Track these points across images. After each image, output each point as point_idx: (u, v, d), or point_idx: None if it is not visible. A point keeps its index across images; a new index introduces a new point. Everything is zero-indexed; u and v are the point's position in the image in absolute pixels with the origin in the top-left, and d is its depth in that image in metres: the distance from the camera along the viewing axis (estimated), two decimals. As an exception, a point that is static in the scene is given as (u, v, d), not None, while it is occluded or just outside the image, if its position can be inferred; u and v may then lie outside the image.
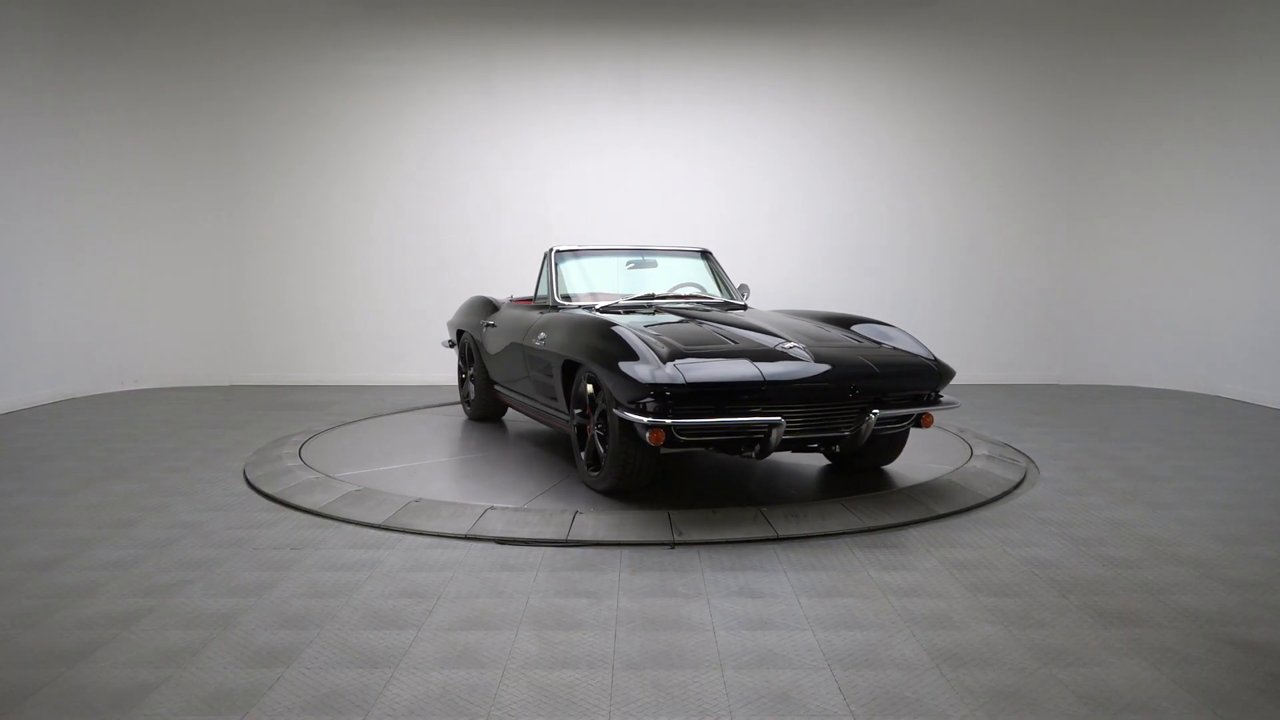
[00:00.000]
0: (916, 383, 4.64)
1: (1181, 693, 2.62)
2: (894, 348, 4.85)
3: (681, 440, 4.24)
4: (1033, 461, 5.72)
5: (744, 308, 5.97)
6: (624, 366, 4.26)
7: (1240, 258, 8.56)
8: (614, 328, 4.61)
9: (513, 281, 8.72)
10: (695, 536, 4.05)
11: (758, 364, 4.35)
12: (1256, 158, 8.36)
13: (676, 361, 4.25)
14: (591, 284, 6.12)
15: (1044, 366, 9.75)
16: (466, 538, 4.07)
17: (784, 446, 4.48)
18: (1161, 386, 9.25)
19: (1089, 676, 2.73)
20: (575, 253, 6.35)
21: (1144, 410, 7.89)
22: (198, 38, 9.18)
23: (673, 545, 3.99)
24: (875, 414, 4.41)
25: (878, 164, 9.60)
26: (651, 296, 5.92)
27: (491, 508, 4.42)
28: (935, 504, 4.58)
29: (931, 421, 4.72)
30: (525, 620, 3.15)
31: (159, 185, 9.19)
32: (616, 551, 3.91)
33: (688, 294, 6.09)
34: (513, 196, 9.53)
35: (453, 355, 7.94)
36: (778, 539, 4.06)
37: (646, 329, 4.80)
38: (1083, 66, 9.45)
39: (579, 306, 5.70)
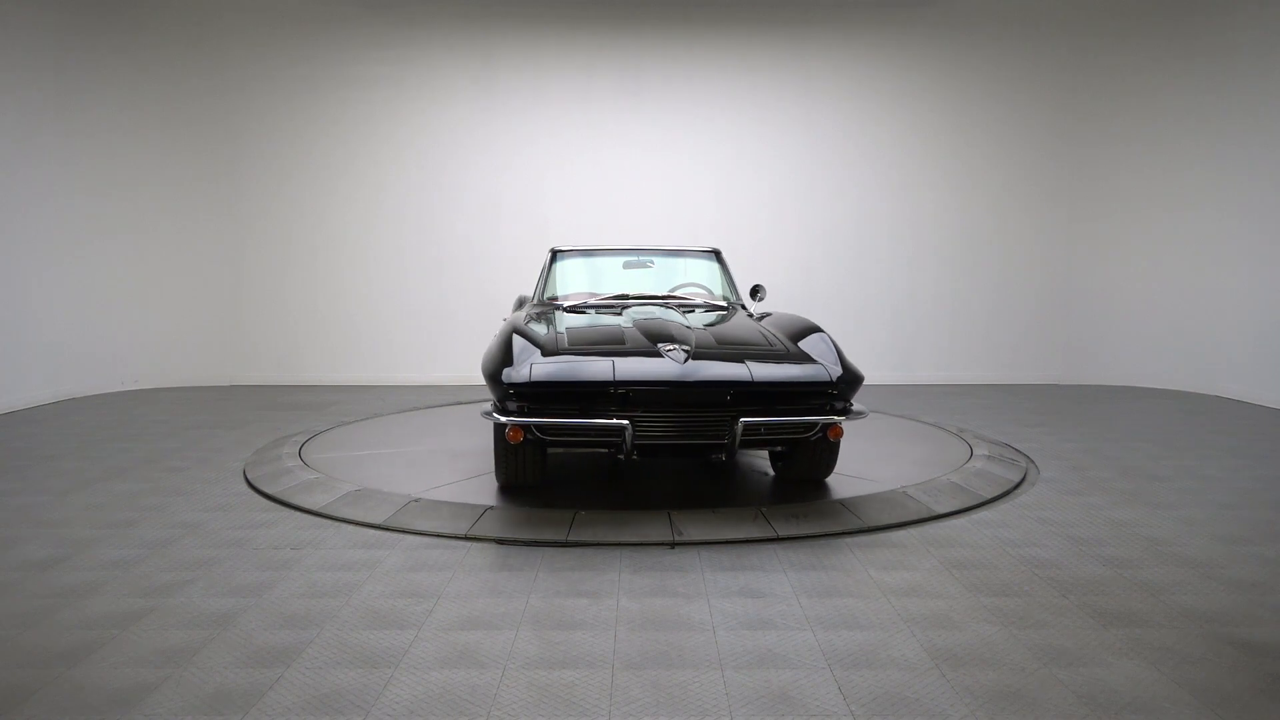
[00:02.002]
0: (802, 392, 4.36)
1: (1181, 693, 2.62)
2: (805, 355, 4.55)
3: (544, 439, 4.33)
4: (1033, 461, 5.72)
5: (724, 309, 5.78)
6: (495, 368, 4.38)
7: (1240, 257, 8.57)
8: (512, 331, 4.71)
9: (518, 281, 8.73)
10: (695, 536, 4.05)
11: (618, 365, 4.30)
12: (1256, 158, 8.36)
13: (531, 361, 4.34)
14: (582, 284, 6.15)
15: (1044, 366, 9.75)
16: (466, 538, 4.07)
17: (668, 452, 4.44)
18: (1161, 386, 9.26)
19: (1089, 676, 2.73)
20: (573, 253, 6.40)
21: (1144, 410, 7.89)
22: (198, 38, 9.18)
23: (673, 545, 3.99)
24: (742, 422, 4.20)
25: (878, 164, 9.60)
26: (625, 296, 5.90)
27: (491, 507, 4.42)
28: (935, 504, 4.58)
29: (839, 433, 4.45)
30: (525, 620, 3.15)
31: (159, 185, 9.19)
32: (616, 551, 3.91)
33: (663, 294, 5.97)
34: (512, 196, 9.53)
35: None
36: (778, 539, 4.06)
37: (564, 331, 4.84)
38: (1083, 66, 9.45)
39: (556, 307, 5.76)
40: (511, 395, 4.25)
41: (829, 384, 4.38)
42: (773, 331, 4.98)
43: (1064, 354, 9.73)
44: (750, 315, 5.69)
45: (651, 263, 6.36)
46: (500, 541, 4.03)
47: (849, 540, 4.07)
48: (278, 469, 5.31)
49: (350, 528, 4.26)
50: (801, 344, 4.72)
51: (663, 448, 4.37)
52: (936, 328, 9.69)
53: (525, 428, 4.25)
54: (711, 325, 5.12)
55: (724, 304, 5.93)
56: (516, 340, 4.56)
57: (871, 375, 9.61)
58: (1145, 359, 9.42)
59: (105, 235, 8.90)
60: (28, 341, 8.10)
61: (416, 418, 7.31)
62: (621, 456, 4.33)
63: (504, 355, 4.44)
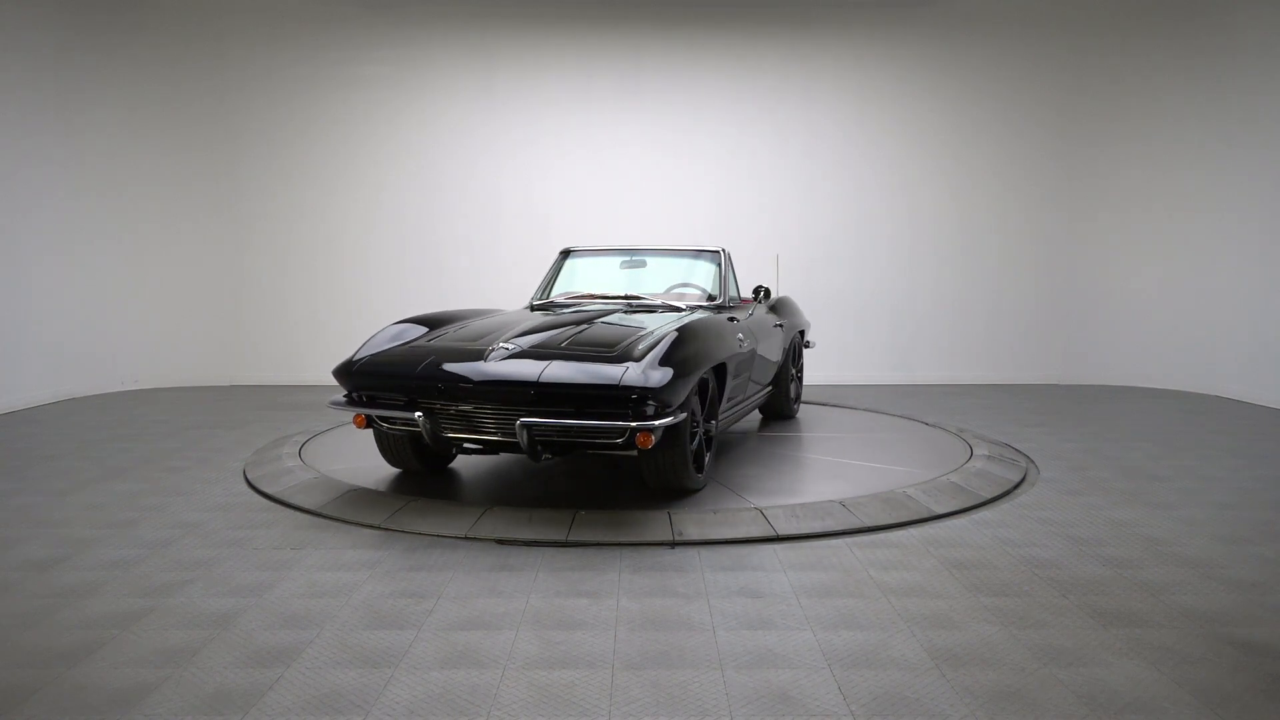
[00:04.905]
0: (599, 395, 4.15)
1: (1181, 693, 2.62)
2: (624, 358, 4.29)
3: (384, 427, 4.70)
4: (1033, 461, 5.72)
5: (679, 309, 5.61)
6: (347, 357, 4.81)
7: (1240, 258, 8.56)
8: (395, 323, 5.11)
9: (519, 281, 8.71)
10: (695, 536, 4.05)
11: (430, 362, 4.50)
12: (1256, 158, 8.36)
13: (365, 353, 4.75)
14: (581, 283, 6.22)
15: (1044, 366, 9.74)
16: (466, 538, 4.07)
17: (488, 447, 4.57)
18: (1161, 386, 9.25)
19: (1089, 676, 2.73)
20: (581, 253, 6.48)
21: (1144, 410, 7.89)
22: (198, 38, 9.18)
23: (673, 545, 3.99)
24: (519, 422, 4.13)
25: (878, 164, 9.60)
26: (591, 296, 5.97)
27: (491, 507, 4.42)
28: (935, 504, 4.58)
29: (646, 442, 4.09)
30: (525, 620, 3.15)
31: (159, 185, 9.19)
32: (616, 551, 3.91)
33: (623, 295, 5.93)
34: (513, 196, 9.53)
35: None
36: (778, 539, 4.06)
37: (467, 325, 5.12)
38: (1083, 66, 9.45)
39: (532, 305, 6.01)
40: (344, 382, 4.68)
41: (614, 387, 4.10)
42: (657, 333, 4.65)
43: (1064, 354, 9.72)
44: (732, 318, 5.57)
45: (645, 263, 6.36)
46: (500, 541, 4.03)
47: (849, 540, 4.07)
48: (278, 469, 5.31)
49: (350, 528, 4.25)
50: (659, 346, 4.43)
51: (467, 442, 4.54)
52: (936, 328, 9.69)
53: (363, 415, 4.61)
54: (610, 324, 5.06)
55: (679, 306, 5.71)
56: (387, 332, 4.98)
57: (871, 375, 9.63)
58: (1145, 359, 9.41)
59: (105, 235, 8.90)
60: (28, 341, 8.10)
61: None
62: (455, 450, 4.75)
63: (360, 346, 4.89)
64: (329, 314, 9.57)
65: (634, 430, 4.09)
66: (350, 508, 4.49)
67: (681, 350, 4.37)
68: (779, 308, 6.83)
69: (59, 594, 3.40)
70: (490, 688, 2.65)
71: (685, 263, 6.35)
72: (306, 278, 9.55)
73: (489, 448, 4.61)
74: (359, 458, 5.64)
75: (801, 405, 7.61)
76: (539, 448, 4.28)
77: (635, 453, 4.27)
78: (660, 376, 4.14)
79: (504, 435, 4.36)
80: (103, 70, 8.79)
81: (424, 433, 4.41)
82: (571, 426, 4.17)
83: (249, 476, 5.22)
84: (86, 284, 8.75)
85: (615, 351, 4.40)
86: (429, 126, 9.46)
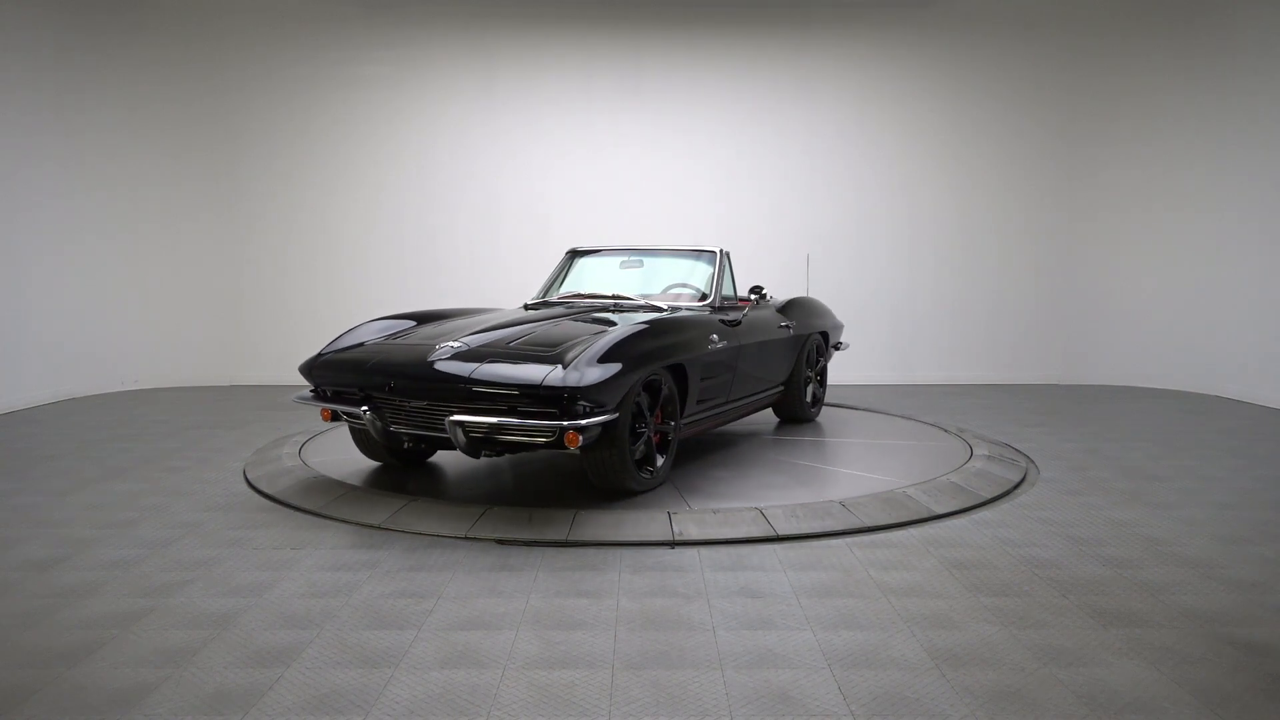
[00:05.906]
0: (517, 396, 4.18)
1: (1181, 693, 2.62)
2: (558, 358, 4.29)
3: (345, 421, 4.83)
4: (1033, 461, 5.72)
5: (659, 309, 5.56)
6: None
7: (1240, 257, 8.56)
8: (368, 320, 5.32)
9: (519, 282, 8.71)
10: (695, 536, 4.05)
11: (374, 360, 4.65)
12: (1256, 158, 8.36)
13: (329, 349, 4.97)
14: (579, 284, 6.24)
15: (1044, 366, 9.74)
16: (466, 538, 4.07)
17: (430, 442, 4.68)
18: (1161, 386, 9.25)
19: (1089, 676, 2.73)
20: (587, 254, 6.51)
21: (1144, 410, 7.89)
22: (198, 38, 9.18)
23: (673, 545, 3.99)
24: (448, 420, 4.20)
25: (877, 163, 9.60)
26: (580, 296, 6.02)
27: (491, 508, 4.42)
28: (935, 504, 4.58)
29: (574, 441, 4.08)
30: (525, 620, 3.15)
31: (159, 185, 9.19)
32: (616, 551, 3.91)
33: (611, 295, 5.92)
34: (512, 197, 9.53)
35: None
36: (778, 539, 4.06)
37: (445, 323, 5.28)
38: (1083, 66, 9.45)
39: (529, 305, 6.10)
40: (306, 376, 4.86)
41: (537, 387, 4.11)
42: (603, 334, 4.61)
43: (1064, 354, 9.72)
44: (724, 319, 5.53)
45: (642, 263, 6.36)
46: (500, 541, 4.03)
47: (849, 540, 4.07)
48: (278, 469, 5.30)
49: (350, 528, 4.26)
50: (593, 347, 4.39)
51: (411, 438, 4.63)
52: (936, 328, 9.69)
53: (327, 408, 4.77)
54: (574, 323, 5.10)
55: (664, 305, 5.66)
56: (368, 327, 5.16)
57: (871, 375, 9.63)
58: (1145, 359, 9.41)
59: (105, 235, 8.90)
60: (28, 341, 8.10)
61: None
62: (407, 444, 4.82)
63: (331, 341, 5.08)
64: (329, 314, 9.55)
65: (563, 429, 4.10)
66: (350, 508, 4.49)
67: (619, 351, 4.33)
68: (791, 308, 6.67)
69: (59, 594, 3.40)
70: (490, 688, 2.65)
71: (680, 262, 6.31)
72: (306, 278, 9.55)
73: (438, 444, 4.70)
74: (359, 457, 5.64)
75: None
76: (476, 445, 4.35)
77: (576, 451, 4.25)
78: (593, 376, 4.13)
79: (438, 430, 4.43)
80: (103, 70, 8.79)
81: (370, 428, 4.54)
82: (500, 425, 4.20)
83: (249, 476, 5.22)
84: (86, 284, 8.75)
85: (554, 352, 4.40)
86: (429, 126, 9.46)
